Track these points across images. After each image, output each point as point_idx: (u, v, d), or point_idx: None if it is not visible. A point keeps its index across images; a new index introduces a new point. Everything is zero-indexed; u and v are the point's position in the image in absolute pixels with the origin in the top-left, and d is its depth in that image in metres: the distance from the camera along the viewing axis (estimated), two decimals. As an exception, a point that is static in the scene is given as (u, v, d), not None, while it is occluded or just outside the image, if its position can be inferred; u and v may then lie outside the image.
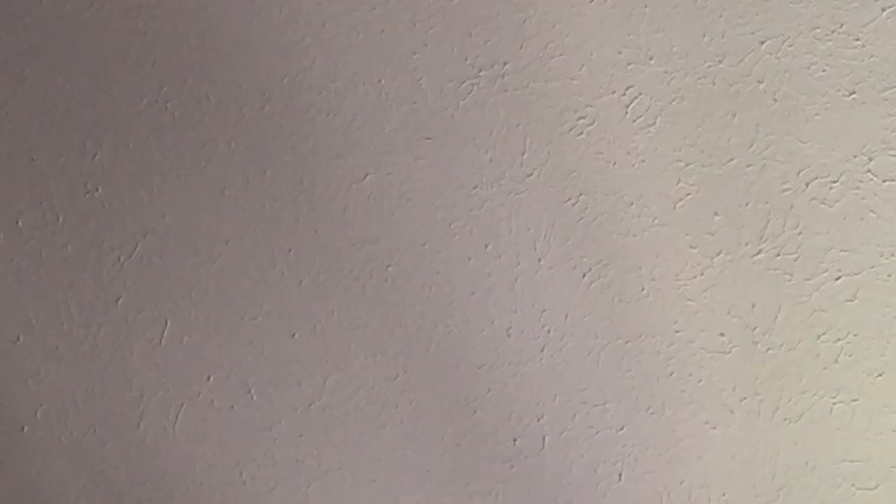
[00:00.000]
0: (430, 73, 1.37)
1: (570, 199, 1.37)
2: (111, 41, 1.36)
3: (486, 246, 1.37)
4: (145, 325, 1.35)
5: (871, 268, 1.36)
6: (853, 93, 1.37)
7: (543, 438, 1.36)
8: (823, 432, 1.36)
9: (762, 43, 1.37)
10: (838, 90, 1.37)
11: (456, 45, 1.37)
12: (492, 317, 1.37)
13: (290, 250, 1.36)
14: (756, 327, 1.37)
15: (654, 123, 1.37)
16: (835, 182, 1.37)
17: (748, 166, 1.37)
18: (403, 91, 1.37)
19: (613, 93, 1.37)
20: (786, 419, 1.37)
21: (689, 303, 1.37)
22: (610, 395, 1.37)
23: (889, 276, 1.36)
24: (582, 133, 1.37)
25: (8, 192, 1.35)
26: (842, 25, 1.37)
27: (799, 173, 1.37)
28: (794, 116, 1.37)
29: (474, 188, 1.37)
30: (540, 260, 1.37)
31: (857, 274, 1.36)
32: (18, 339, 1.34)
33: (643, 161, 1.37)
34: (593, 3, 1.38)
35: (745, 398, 1.37)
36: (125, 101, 1.36)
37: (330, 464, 1.36)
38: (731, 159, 1.37)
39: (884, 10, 1.36)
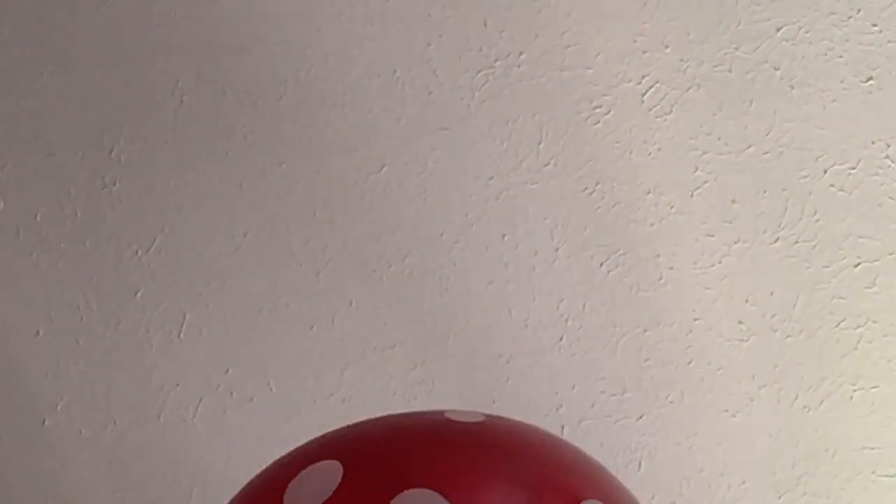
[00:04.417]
0: (445, 63, 1.37)
1: (586, 188, 1.37)
2: (127, 36, 1.37)
3: (503, 236, 1.37)
4: (164, 318, 1.36)
5: (890, 254, 1.36)
6: (870, 79, 1.36)
7: (562, 428, 1.36)
8: (843, 420, 1.36)
9: (778, 29, 1.37)
10: (855, 76, 1.36)
11: (471, 35, 1.37)
12: (509, 307, 1.37)
13: (307, 242, 1.36)
14: (775, 315, 1.36)
15: (671, 112, 1.37)
16: (853, 168, 1.36)
17: (765, 154, 1.37)
18: (419, 82, 1.37)
19: (629, 81, 1.37)
20: (805, 406, 1.36)
21: (707, 291, 1.36)
22: (628, 384, 1.37)
23: (908, 262, 1.36)
24: (598, 122, 1.37)
25: (26, 187, 1.36)
26: (858, 11, 1.36)
27: (816, 160, 1.36)
28: (811, 103, 1.36)
29: (490, 178, 1.37)
30: (557, 249, 1.37)
31: (876, 260, 1.36)
32: (38, 333, 1.35)
33: (660, 149, 1.37)
34: (608, -9, 1.38)
35: (764, 386, 1.36)
36: (141, 96, 1.37)
37: (349, 455, 1.36)
38: (748, 147, 1.37)
39: (901, -5, 1.36)
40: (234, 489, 1.36)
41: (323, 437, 0.85)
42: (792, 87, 1.36)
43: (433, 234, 1.37)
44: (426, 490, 0.70)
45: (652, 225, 1.37)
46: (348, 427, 0.84)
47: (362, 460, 0.75)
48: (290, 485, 0.75)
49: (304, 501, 0.72)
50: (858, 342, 1.36)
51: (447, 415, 0.82)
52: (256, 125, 1.37)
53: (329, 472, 0.74)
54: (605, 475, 0.83)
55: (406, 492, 0.70)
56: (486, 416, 0.84)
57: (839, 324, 1.36)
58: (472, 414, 0.83)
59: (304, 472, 0.75)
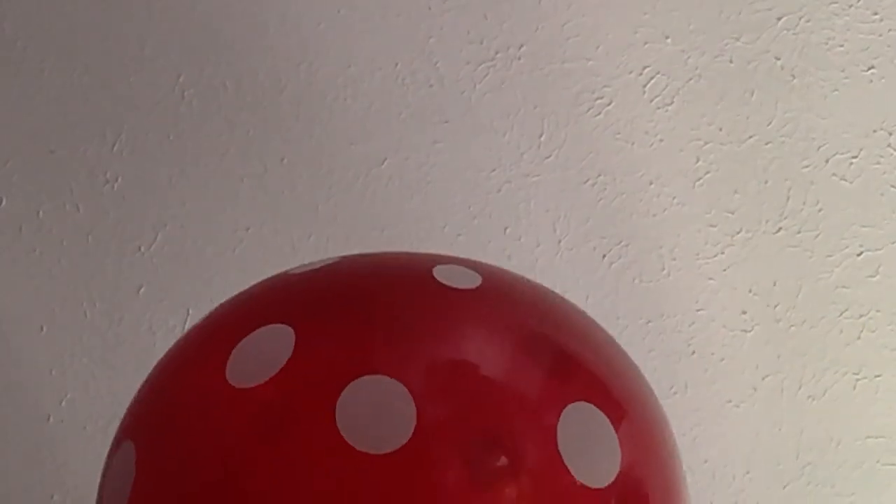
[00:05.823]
0: (446, 56, 1.37)
1: (588, 179, 1.37)
2: (128, 31, 1.37)
3: (506, 229, 1.37)
4: (167, 313, 1.36)
5: (893, 243, 1.36)
6: (872, 67, 1.36)
7: (566, 420, 1.36)
8: (847, 409, 1.36)
9: (779, 19, 1.37)
10: (857, 65, 1.36)
11: (472, 27, 1.37)
12: (512, 299, 1.37)
13: (309, 236, 1.36)
14: (778, 305, 1.36)
15: (672, 102, 1.37)
16: (854, 157, 1.36)
17: (767, 144, 1.37)
18: (420, 75, 1.37)
19: (630, 73, 1.37)
20: (809, 396, 1.36)
21: (710, 281, 1.36)
22: (632, 376, 1.36)
23: (911, 251, 1.36)
24: (600, 113, 1.37)
25: (28, 184, 1.36)
26: (859, 0, 1.36)
27: (818, 149, 1.36)
28: (813, 92, 1.36)
29: (493, 171, 1.37)
30: (559, 241, 1.37)
31: (878, 249, 1.36)
32: (42, 329, 1.35)
33: (661, 140, 1.37)
34: (608, -17, 1.38)
35: (767, 376, 1.36)
36: (143, 92, 1.37)
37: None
38: (750, 137, 1.37)
39: (901, -17, 1.36)
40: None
41: (276, 281, 0.69)
42: (793, 77, 1.36)
43: (435, 227, 1.37)
44: (387, 378, 0.58)
45: (654, 216, 1.37)
46: (310, 271, 0.69)
47: (319, 331, 0.62)
48: (233, 352, 0.63)
49: (249, 377, 0.61)
50: (861, 331, 1.36)
51: (436, 273, 0.67)
52: (258, 120, 1.37)
53: (278, 341, 0.61)
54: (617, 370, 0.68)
55: (361, 378, 0.58)
56: (485, 277, 0.70)
57: (842, 313, 1.36)
58: (469, 273, 0.69)
59: (250, 337, 0.63)
